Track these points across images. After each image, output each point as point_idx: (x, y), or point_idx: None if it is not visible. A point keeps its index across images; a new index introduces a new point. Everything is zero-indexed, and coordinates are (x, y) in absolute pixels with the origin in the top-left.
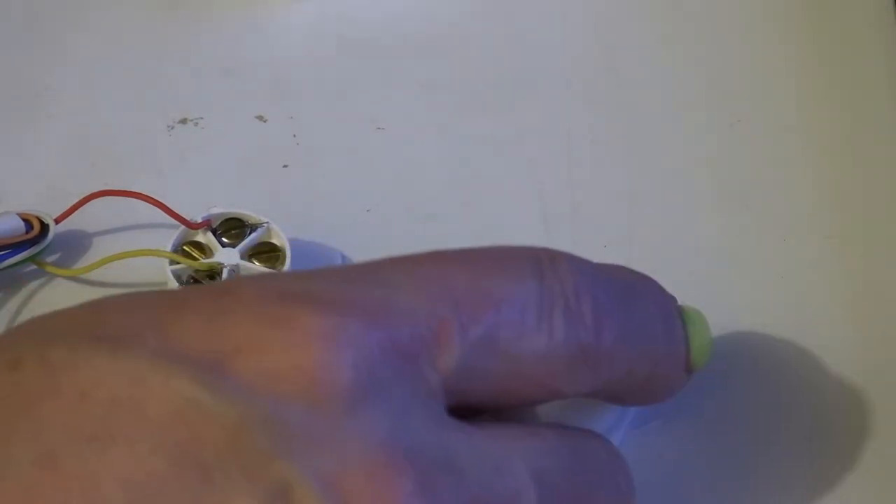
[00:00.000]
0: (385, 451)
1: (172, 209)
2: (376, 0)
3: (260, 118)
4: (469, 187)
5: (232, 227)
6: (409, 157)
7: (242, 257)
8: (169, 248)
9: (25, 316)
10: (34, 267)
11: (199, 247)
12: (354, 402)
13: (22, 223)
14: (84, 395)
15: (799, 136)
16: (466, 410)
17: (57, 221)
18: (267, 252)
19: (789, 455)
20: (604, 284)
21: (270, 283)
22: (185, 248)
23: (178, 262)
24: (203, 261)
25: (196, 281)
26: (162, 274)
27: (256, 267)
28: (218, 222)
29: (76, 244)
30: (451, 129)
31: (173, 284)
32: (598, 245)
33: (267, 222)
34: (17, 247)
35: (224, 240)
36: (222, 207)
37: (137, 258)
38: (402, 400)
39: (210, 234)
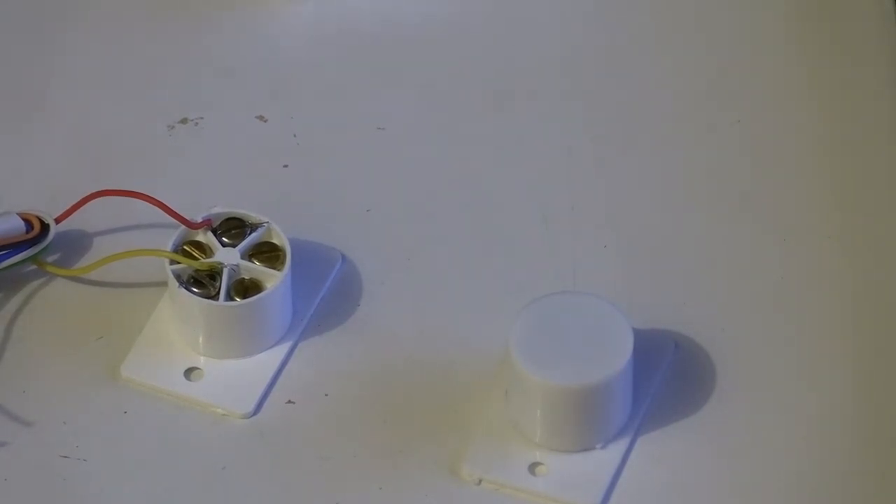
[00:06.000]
0: None
1: (172, 209)
2: (376, 0)
3: (260, 118)
4: (469, 187)
5: (232, 227)
6: (409, 157)
7: (243, 257)
8: (169, 247)
9: (25, 316)
10: (34, 267)
11: (200, 246)
12: None
13: (22, 223)
14: None
15: (799, 136)
16: None
17: (57, 221)
18: (267, 252)
19: (789, 455)
20: None
21: None
22: (185, 247)
23: (178, 262)
24: (203, 260)
25: (196, 280)
26: (162, 273)
27: (257, 267)
28: (218, 222)
29: (76, 244)
30: (451, 129)
31: (173, 284)
32: (598, 245)
33: (267, 222)
34: (17, 247)
35: (224, 239)
36: (222, 207)
37: (138, 258)
38: None
39: (210, 234)
